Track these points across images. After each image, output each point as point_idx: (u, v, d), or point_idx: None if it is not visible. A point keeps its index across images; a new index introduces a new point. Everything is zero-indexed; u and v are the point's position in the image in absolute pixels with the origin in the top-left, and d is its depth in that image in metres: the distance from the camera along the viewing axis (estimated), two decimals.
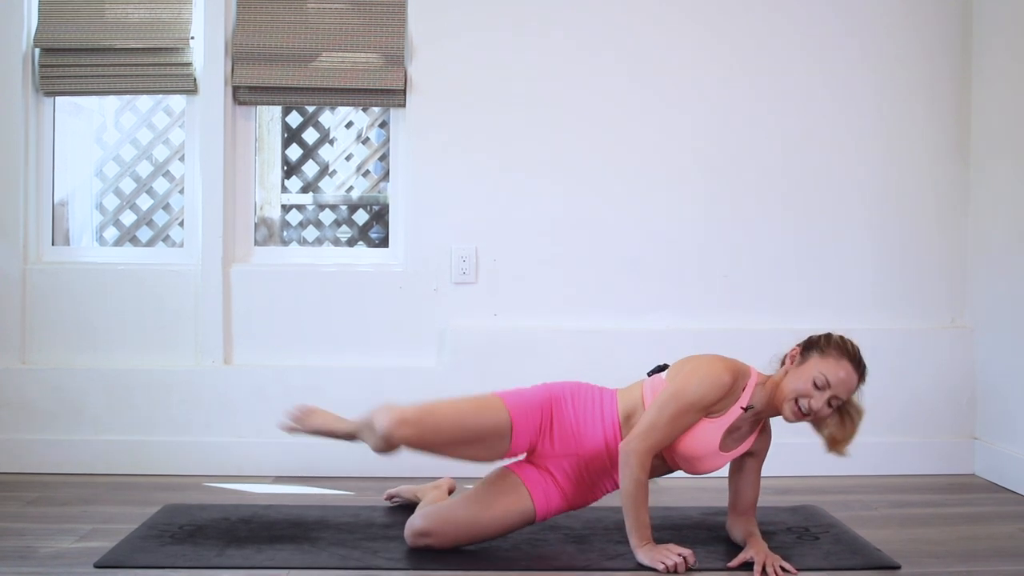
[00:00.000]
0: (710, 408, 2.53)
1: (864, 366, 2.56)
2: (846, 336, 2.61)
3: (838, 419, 2.55)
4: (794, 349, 2.62)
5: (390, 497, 3.08)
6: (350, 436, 2.76)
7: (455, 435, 2.55)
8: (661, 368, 2.69)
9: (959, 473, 3.62)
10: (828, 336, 2.59)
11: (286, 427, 2.83)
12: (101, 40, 3.57)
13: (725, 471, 2.73)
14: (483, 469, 2.71)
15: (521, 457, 2.69)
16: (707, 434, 2.55)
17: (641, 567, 2.49)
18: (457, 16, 3.64)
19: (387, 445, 2.56)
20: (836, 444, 2.56)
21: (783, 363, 2.65)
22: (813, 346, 2.58)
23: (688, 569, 2.46)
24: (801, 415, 2.52)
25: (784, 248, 3.69)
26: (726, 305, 3.67)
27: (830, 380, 2.50)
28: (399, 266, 3.67)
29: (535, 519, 2.62)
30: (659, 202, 3.67)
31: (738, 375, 2.56)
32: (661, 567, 2.45)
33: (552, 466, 2.64)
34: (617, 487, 2.66)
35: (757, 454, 2.69)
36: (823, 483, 3.39)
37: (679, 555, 2.46)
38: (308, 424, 2.81)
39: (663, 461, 2.61)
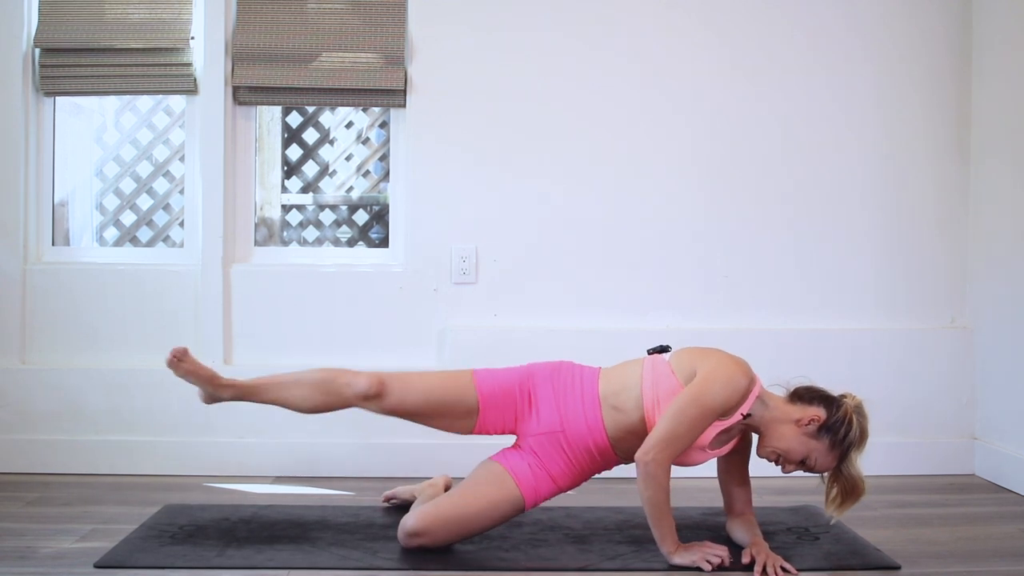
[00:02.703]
0: (724, 413, 2.54)
1: (842, 461, 2.56)
2: (860, 429, 2.53)
3: (838, 487, 2.57)
4: (817, 413, 2.54)
5: (388, 499, 3.08)
6: (220, 390, 2.72)
7: (421, 404, 2.65)
8: (663, 348, 2.69)
9: (959, 473, 3.62)
10: (847, 433, 2.51)
11: (167, 361, 2.72)
12: (101, 40, 3.57)
13: (713, 471, 2.75)
14: (474, 463, 2.72)
15: (508, 445, 2.71)
16: (706, 433, 2.55)
17: (639, 568, 2.50)
18: (457, 16, 3.64)
19: (342, 402, 2.66)
20: (831, 505, 2.58)
21: (794, 397, 2.61)
22: (831, 433, 2.52)
23: (721, 567, 2.47)
24: (773, 463, 2.60)
25: (784, 248, 3.69)
26: (726, 305, 3.67)
27: (817, 469, 2.57)
28: (399, 266, 3.67)
29: (525, 507, 2.62)
30: (659, 202, 3.67)
31: (750, 380, 2.56)
32: (708, 567, 2.45)
33: (536, 447, 2.63)
34: (607, 468, 2.69)
35: (741, 453, 2.71)
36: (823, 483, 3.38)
37: (717, 551, 2.49)
38: (179, 367, 2.72)
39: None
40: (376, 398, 2.63)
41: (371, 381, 2.63)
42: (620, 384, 2.63)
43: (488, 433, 2.69)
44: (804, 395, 2.61)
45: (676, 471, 2.67)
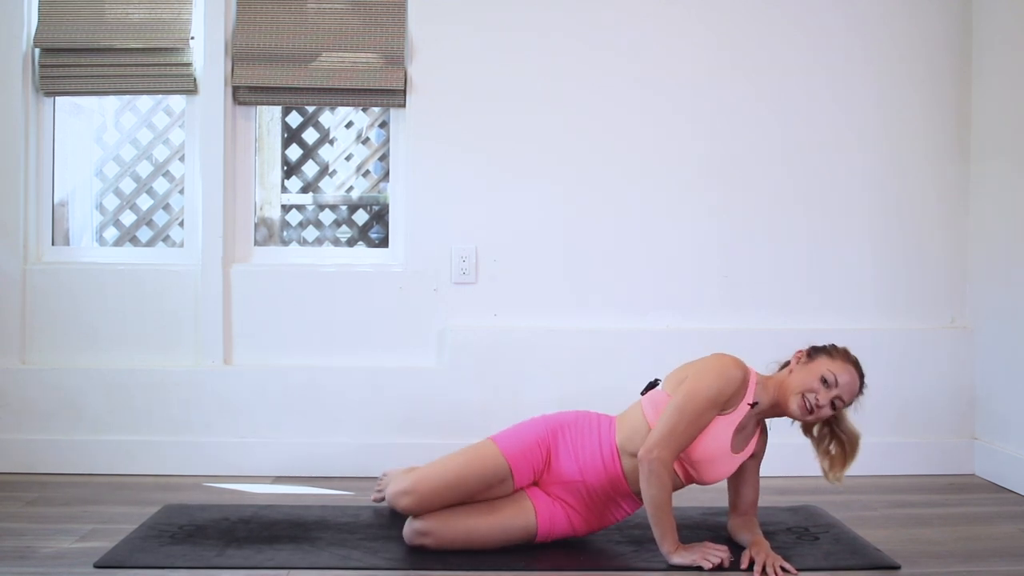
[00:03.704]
0: (725, 404, 2.55)
1: (864, 376, 2.64)
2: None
3: (839, 445, 2.64)
4: (799, 352, 2.68)
5: (379, 498, 3.07)
6: None
7: (457, 493, 2.57)
8: (653, 384, 2.70)
9: (959, 473, 3.62)
10: (833, 344, 2.67)
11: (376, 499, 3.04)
12: (101, 40, 3.57)
13: None
14: None
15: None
16: (720, 433, 2.56)
17: (639, 568, 2.50)
18: (457, 16, 3.64)
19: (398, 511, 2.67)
20: (835, 468, 2.63)
21: (784, 366, 2.71)
22: (821, 350, 2.65)
23: (720, 567, 2.47)
24: (806, 410, 2.57)
25: (784, 248, 3.69)
26: (726, 305, 3.67)
27: (838, 379, 2.57)
28: (399, 266, 3.67)
29: (536, 537, 2.62)
30: (659, 202, 3.67)
31: (744, 370, 2.59)
32: (708, 566, 2.46)
33: (555, 493, 2.65)
34: (626, 515, 2.70)
35: (756, 455, 2.72)
36: (823, 483, 3.34)
37: (717, 551, 2.49)
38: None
39: (677, 475, 2.61)
40: (411, 508, 2.57)
41: (398, 494, 2.60)
42: (631, 428, 2.63)
43: (522, 487, 2.66)
44: (784, 362, 2.72)
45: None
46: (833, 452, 2.64)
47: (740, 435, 2.61)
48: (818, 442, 2.69)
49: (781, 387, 2.61)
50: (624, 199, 3.66)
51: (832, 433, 2.65)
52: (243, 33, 3.60)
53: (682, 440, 2.50)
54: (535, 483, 2.66)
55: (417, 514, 2.58)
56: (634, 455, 2.58)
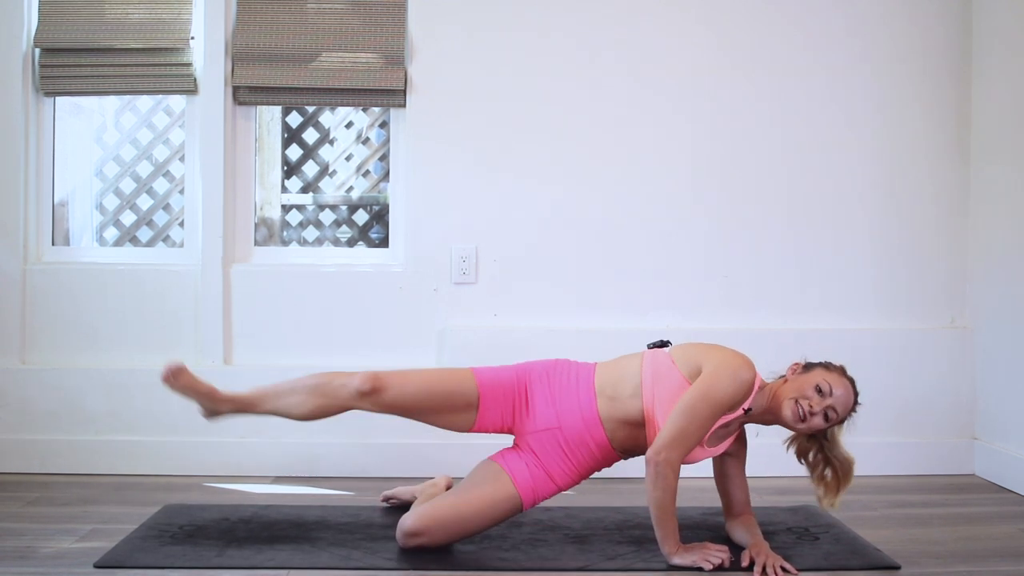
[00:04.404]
0: (732, 407, 2.55)
1: (858, 395, 2.63)
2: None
3: (832, 471, 2.64)
4: (795, 364, 2.68)
5: (387, 499, 3.07)
6: (219, 405, 2.69)
7: (421, 396, 2.62)
8: (663, 343, 2.71)
9: (959, 473, 3.62)
10: (830, 361, 2.66)
11: (163, 377, 2.69)
12: (101, 40, 3.57)
13: (709, 471, 2.76)
14: (474, 464, 2.72)
15: (507, 445, 2.71)
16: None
17: (639, 568, 2.50)
18: (457, 16, 3.64)
19: (338, 404, 2.62)
20: (829, 495, 2.64)
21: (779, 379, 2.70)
22: (817, 364, 2.65)
23: (721, 567, 2.47)
24: (799, 416, 2.55)
25: (784, 248, 3.70)
26: (726, 305, 3.67)
27: (833, 389, 2.55)
28: (399, 266, 3.67)
29: (523, 506, 2.62)
30: (659, 202, 3.67)
31: (754, 374, 2.59)
32: (709, 567, 2.46)
33: (535, 445, 2.64)
34: (607, 465, 2.70)
35: (736, 455, 2.72)
36: None
37: (717, 552, 2.50)
38: (176, 383, 2.68)
39: (646, 442, 2.60)
40: (372, 393, 2.59)
41: (366, 377, 2.61)
42: (617, 375, 2.65)
43: (487, 431, 2.69)
44: (780, 376, 2.71)
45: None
46: (827, 478, 2.64)
47: (718, 432, 2.61)
48: (812, 468, 2.68)
49: (775, 395, 2.60)
50: (624, 199, 3.67)
51: (826, 459, 2.64)
52: (243, 33, 3.60)
53: (690, 442, 2.50)
54: (514, 445, 2.66)
55: (380, 401, 2.59)
56: (612, 398, 2.61)
